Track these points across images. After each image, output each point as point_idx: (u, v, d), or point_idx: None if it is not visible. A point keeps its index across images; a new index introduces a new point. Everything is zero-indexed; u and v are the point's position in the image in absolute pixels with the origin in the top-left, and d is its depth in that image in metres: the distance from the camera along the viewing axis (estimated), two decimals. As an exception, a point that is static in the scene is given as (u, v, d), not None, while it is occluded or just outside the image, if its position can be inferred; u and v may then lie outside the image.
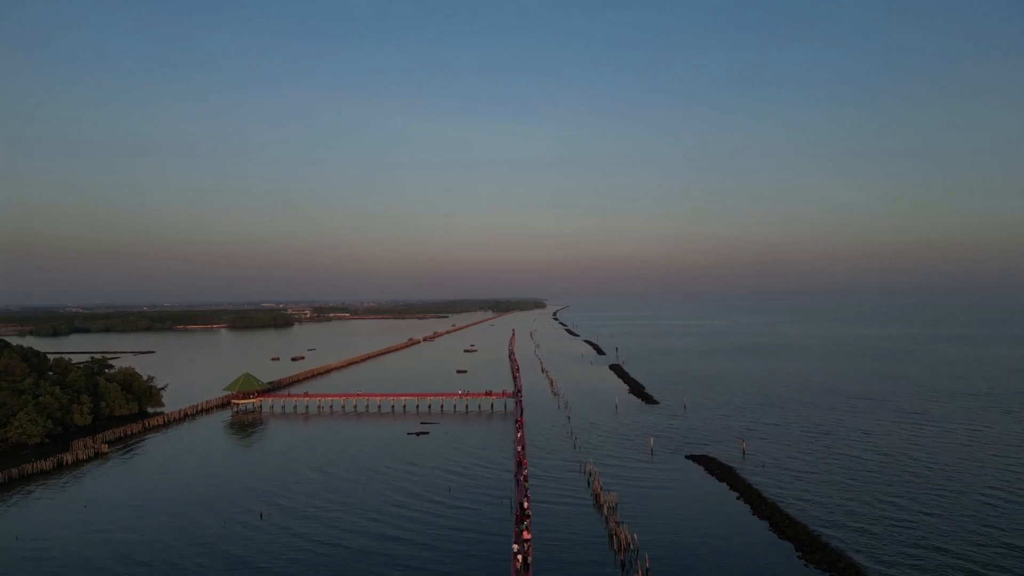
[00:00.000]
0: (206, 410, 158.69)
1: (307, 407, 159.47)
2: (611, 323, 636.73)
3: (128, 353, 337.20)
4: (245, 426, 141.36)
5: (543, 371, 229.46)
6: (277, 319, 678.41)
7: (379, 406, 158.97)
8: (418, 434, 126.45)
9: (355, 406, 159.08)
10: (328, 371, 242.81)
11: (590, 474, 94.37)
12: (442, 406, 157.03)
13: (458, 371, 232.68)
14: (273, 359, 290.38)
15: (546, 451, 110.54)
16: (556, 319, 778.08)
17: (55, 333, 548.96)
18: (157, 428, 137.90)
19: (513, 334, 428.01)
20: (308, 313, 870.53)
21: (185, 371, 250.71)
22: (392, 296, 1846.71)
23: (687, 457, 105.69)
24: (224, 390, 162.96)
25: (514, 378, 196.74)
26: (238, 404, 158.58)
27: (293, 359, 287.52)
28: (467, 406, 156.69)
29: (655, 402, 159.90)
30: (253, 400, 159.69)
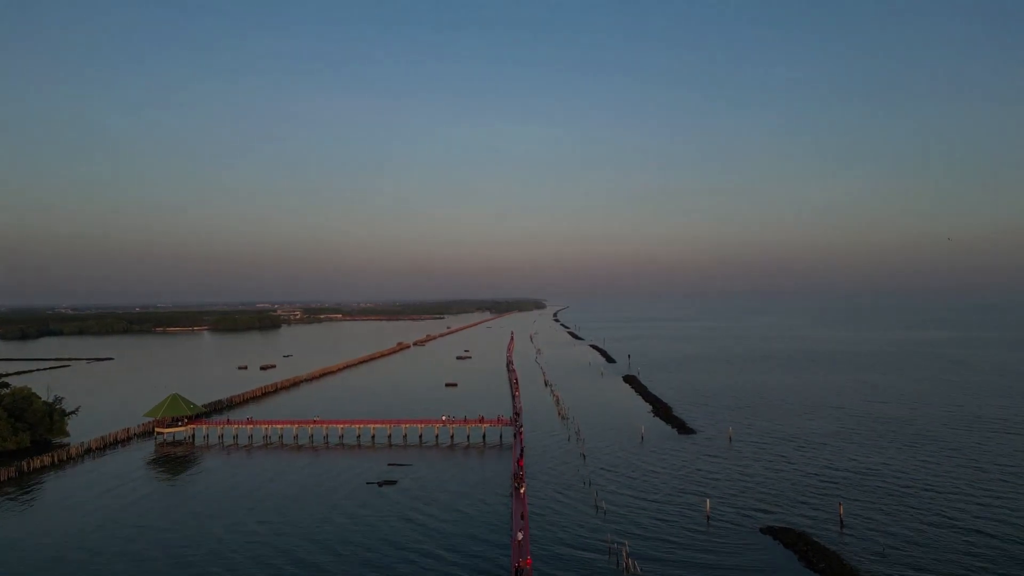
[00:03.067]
0: (124, 441, 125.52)
1: (251, 437, 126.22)
2: (614, 325, 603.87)
3: (82, 360, 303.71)
4: (166, 464, 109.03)
5: (546, 384, 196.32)
6: (263, 321, 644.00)
7: (341, 436, 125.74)
8: (381, 484, 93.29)
9: (311, 436, 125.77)
10: (297, 383, 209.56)
11: (626, 569, 61.50)
12: (421, 436, 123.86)
13: (447, 384, 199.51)
14: (240, 368, 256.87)
15: (557, 517, 77.54)
16: (557, 320, 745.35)
17: (23, 336, 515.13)
18: (41, 471, 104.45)
19: (512, 338, 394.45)
20: (298, 314, 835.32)
21: (130, 384, 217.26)
22: (392, 296, 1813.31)
23: (763, 531, 72.57)
24: (145, 416, 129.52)
25: (513, 397, 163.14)
26: (163, 433, 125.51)
27: (262, 368, 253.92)
28: (452, 436, 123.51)
29: (690, 431, 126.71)
30: (183, 428, 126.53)
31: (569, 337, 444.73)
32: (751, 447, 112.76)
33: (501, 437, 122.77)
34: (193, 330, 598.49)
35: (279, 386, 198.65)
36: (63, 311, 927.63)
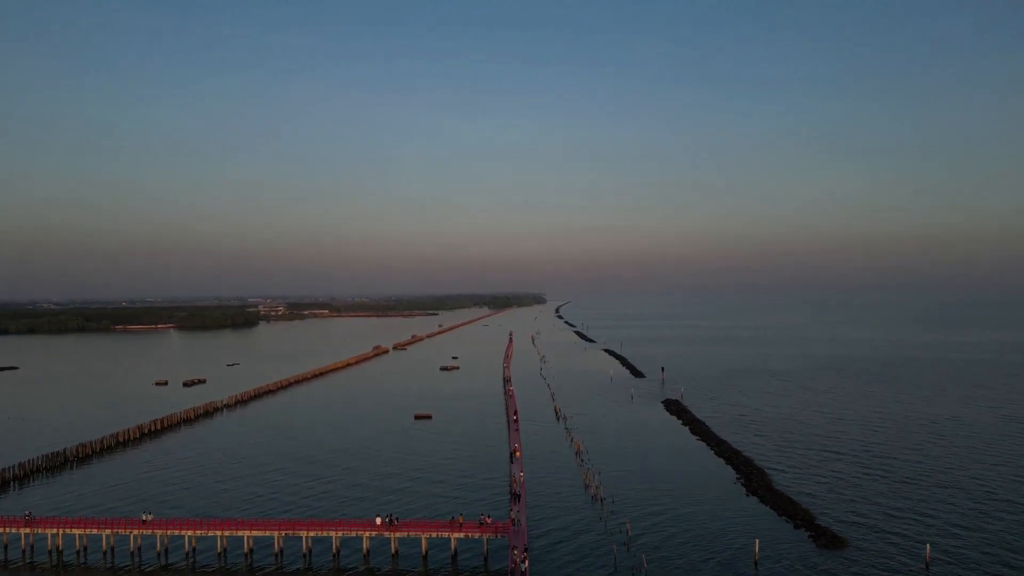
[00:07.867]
0: None
1: (28, 550, 68.96)
2: (623, 324, 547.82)
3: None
4: None
5: (558, 417, 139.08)
6: (238, 318, 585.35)
7: (191, 550, 68.17)
8: None
9: (136, 549, 68.38)
10: (211, 411, 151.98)
11: None
12: (337, 554, 66.53)
13: (417, 416, 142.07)
14: (158, 383, 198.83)
15: None
16: (560, 317, 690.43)
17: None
18: None
19: (511, 341, 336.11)
20: (281, 310, 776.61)
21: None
22: (388, 291, 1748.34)
23: None
24: None
25: (511, 456, 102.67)
26: None
27: (186, 384, 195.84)
28: (396, 554, 66.20)
29: (834, 540, 68.89)
30: (-97, 533, 69.13)
31: (576, 338, 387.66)
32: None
33: (487, 560, 65.29)
34: (156, 328, 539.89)
35: (182, 418, 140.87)
36: (46, 306, 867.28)
